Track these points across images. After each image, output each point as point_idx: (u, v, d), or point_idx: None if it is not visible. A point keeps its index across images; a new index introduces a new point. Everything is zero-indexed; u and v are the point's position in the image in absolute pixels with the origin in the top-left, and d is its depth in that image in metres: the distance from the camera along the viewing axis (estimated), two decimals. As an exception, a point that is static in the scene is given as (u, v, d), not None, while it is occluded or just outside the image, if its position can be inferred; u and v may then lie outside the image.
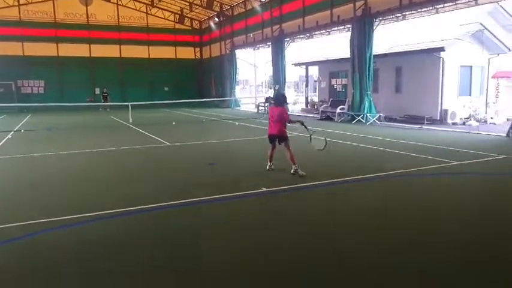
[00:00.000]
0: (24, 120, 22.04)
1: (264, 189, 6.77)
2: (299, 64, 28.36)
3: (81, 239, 4.72)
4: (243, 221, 5.40)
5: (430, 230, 4.93)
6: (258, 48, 30.91)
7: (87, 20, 34.87)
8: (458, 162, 8.78)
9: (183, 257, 4.21)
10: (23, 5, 32.61)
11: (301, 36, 24.84)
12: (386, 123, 18.09)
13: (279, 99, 8.42)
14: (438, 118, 17.33)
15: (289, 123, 8.09)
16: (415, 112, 18.02)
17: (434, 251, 4.26)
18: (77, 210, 5.63)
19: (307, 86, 29.43)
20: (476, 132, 14.20)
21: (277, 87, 25.43)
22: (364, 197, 6.42)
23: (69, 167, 9.18)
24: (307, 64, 27.74)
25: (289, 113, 9.19)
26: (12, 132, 16.32)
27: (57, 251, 4.38)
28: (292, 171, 7.73)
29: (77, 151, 11.32)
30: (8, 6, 31.84)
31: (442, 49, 16.76)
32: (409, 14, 18.21)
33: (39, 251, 4.39)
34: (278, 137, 8.01)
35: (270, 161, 8.21)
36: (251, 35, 29.94)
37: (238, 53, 32.68)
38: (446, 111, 17.20)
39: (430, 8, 17.01)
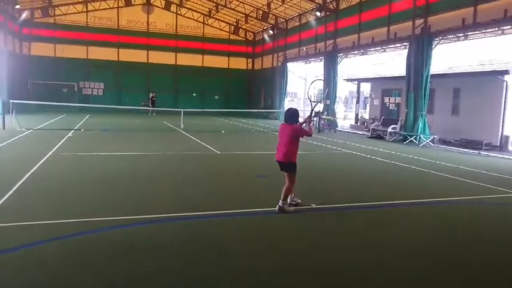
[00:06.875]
0: (84, 120, 23.31)
1: (314, 205, 6.73)
2: (351, 80, 28.07)
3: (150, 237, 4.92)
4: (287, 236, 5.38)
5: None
6: (310, 62, 30.89)
7: (147, 28, 36.61)
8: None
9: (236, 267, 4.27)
10: (90, 11, 34.91)
11: (355, 52, 24.56)
12: (440, 146, 17.40)
13: (293, 116, 6.41)
14: (498, 144, 16.44)
15: (309, 135, 6.59)
16: (473, 136, 17.19)
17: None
18: (134, 211, 5.91)
19: (358, 102, 28.99)
20: (541, 162, 13.32)
21: (328, 102, 25.22)
22: (416, 222, 6.20)
23: (120, 168, 9.57)
24: (360, 80, 27.38)
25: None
26: (72, 130, 17.32)
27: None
28: (277, 207, 6.19)
29: (130, 153, 11.82)
30: (77, 12, 34.28)
31: (506, 72, 15.94)
32: (471, 34, 17.50)
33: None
34: (284, 165, 6.33)
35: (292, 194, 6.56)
36: (304, 48, 30.02)
37: (290, 65, 32.86)
38: (507, 137, 16.30)
39: (496, 28, 16.25)
